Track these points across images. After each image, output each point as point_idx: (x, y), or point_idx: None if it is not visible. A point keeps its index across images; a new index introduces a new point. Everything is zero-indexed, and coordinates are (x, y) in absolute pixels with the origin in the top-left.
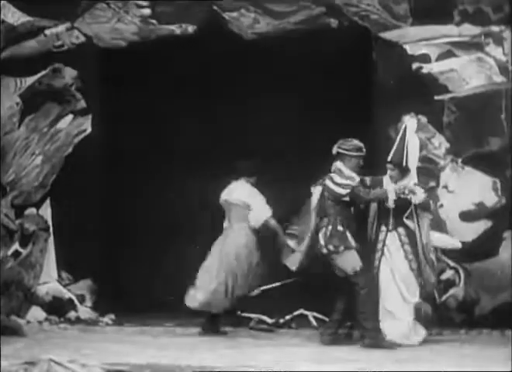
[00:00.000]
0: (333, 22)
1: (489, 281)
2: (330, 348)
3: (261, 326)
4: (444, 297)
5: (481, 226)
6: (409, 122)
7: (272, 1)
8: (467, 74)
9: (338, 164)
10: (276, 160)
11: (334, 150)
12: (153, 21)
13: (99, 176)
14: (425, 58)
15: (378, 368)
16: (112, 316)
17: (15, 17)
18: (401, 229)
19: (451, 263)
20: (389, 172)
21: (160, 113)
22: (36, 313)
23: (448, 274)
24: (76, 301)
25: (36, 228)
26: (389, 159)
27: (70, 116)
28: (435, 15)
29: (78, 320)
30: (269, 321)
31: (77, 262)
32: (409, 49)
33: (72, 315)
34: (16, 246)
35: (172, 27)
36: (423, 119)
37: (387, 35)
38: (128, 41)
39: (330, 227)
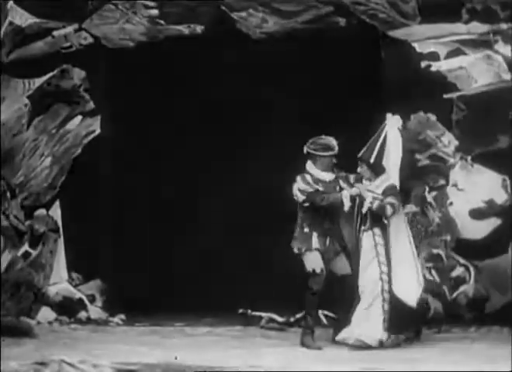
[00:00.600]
0: (342, 21)
1: (499, 278)
2: (341, 347)
3: (271, 325)
4: (454, 295)
5: (491, 224)
6: (391, 120)
7: (280, 1)
8: (476, 72)
9: (308, 165)
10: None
11: (304, 150)
12: (162, 21)
13: (108, 177)
14: (434, 56)
15: (386, 367)
16: (123, 316)
17: (23, 18)
18: (376, 229)
19: (462, 261)
20: (358, 168)
21: (168, 113)
22: (46, 313)
23: (459, 271)
24: (86, 302)
25: (45, 229)
26: (359, 155)
27: (79, 117)
28: (443, 13)
29: (89, 320)
30: (280, 319)
31: (87, 262)
32: (418, 47)
33: (82, 315)
34: (26, 247)
35: (180, 27)
36: (433, 117)
37: (395, 33)
38: (136, 42)
39: (297, 229)
